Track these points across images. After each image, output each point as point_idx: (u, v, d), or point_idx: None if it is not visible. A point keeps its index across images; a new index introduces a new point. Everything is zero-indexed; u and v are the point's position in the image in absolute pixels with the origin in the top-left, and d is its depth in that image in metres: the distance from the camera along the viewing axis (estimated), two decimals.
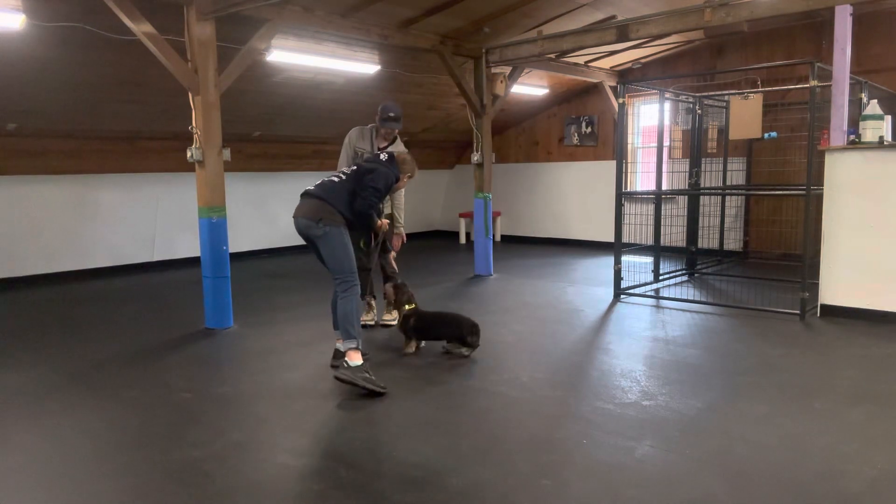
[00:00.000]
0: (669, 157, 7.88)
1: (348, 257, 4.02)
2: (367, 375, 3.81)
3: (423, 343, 4.72)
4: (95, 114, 7.20)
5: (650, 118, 9.94)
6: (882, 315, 5.31)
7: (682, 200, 8.19)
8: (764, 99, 7.55)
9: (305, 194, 4.13)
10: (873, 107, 5.46)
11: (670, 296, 6.51)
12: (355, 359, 3.85)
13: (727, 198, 8.68)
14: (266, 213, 9.97)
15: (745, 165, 8.75)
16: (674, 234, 7.95)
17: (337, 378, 3.79)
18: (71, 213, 8.04)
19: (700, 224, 8.13)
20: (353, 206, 4.07)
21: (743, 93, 7.63)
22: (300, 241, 4.28)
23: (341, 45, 7.04)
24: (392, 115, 5.28)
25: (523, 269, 8.49)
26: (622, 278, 6.64)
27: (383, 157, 4.37)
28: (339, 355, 4.28)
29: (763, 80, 8.04)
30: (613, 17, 7.40)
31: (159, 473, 2.88)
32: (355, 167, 4.29)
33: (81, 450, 3.15)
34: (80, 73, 6.33)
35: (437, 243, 11.70)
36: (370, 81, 8.03)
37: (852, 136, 5.51)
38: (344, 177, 4.19)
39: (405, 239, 5.49)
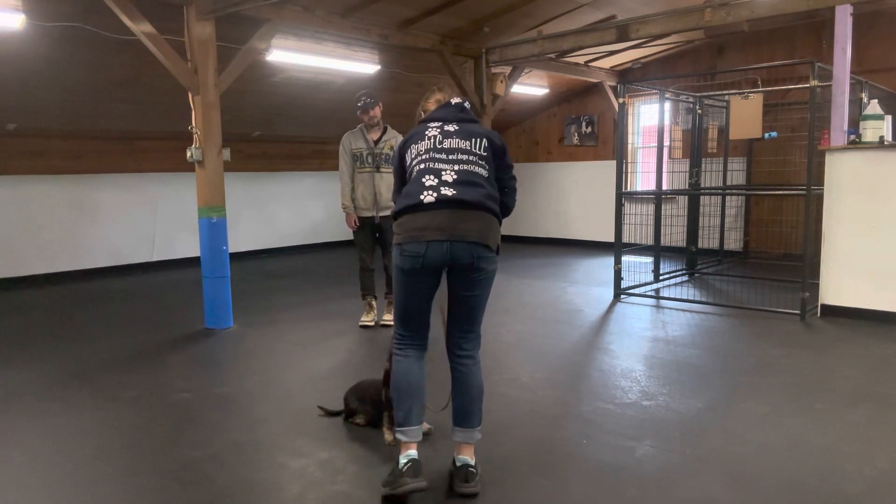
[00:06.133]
0: (669, 157, 7.88)
1: None
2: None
3: None
4: (95, 114, 7.20)
5: (650, 118, 9.95)
6: (882, 315, 5.30)
7: (683, 200, 8.19)
8: (764, 99, 7.55)
9: (461, 202, 2.59)
10: (873, 107, 5.45)
11: (670, 296, 6.51)
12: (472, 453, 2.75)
13: (727, 198, 8.68)
14: (266, 213, 9.96)
15: (746, 165, 8.75)
16: (674, 234, 7.94)
17: (469, 494, 2.62)
18: (71, 213, 8.04)
19: (700, 224, 8.13)
20: (501, 201, 2.82)
21: (743, 93, 7.63)
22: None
23: (341, 45, 7.04)
24: (364, 96, 5.21)
25: (523, 269, 8.48)
26: (622, 278, 6.64)
27: (467, 104, 2.96)
28: (420, 469, 2.65)
29: (763, 79, 8.04)
30: (613, 16, 7.41)
31: (159, 474, 2.88)
32: (486, 139, 2.75)
33: (81, 450, 3.15)
34: (80, 73, 6.33)
35: None
36: (370, 81, 8.03)
37: (852, 136, 5.50)
38: (477, 158, 2.72)
39: None
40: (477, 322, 2.75)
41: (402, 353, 2.77)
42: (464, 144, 2.73)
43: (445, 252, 2.56)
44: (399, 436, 2.71)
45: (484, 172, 2.71)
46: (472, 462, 2.69)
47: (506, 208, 2.86)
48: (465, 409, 2.72)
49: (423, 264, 2.58)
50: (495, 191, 2.74)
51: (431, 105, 2.98)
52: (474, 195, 2.61)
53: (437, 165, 2.67)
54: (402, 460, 2.64)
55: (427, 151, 2.74)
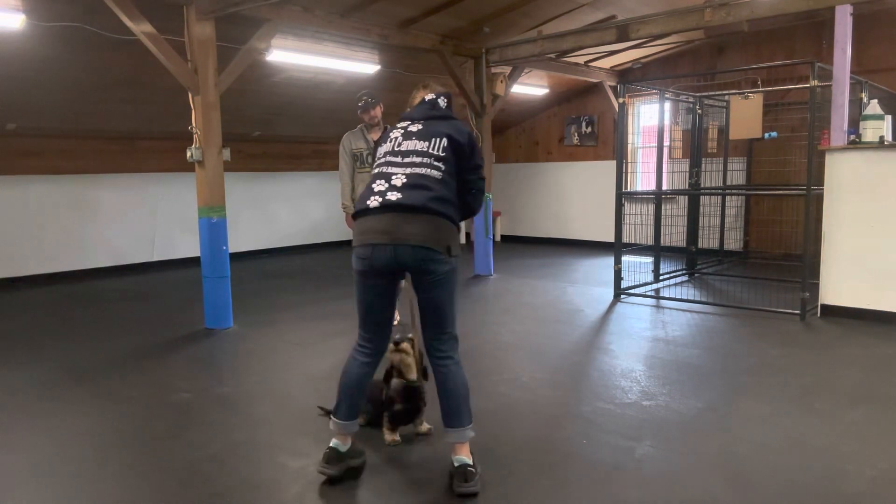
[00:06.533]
0: (669, 157, 7.88)
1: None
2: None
3: None
4: (95, 114, 7.20)
5: (650, 118, 9.95)
6: (882, 315, 5.30)
7: (683, 200, 8.19)
8: (764, 99, 7.55)
9: (405, 206, 2.59)
10: (873, 107, 5.45)
11: (670, 296, 6.50)
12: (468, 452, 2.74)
13: (727, 198, 8.69)
14: (266, 213, 9.96)
15: (746, 165, 8.75)
16: (674, 234, 7.94)
17: (468, 494, 2.61)
18: (71, 213, 8.04)
19: (700, 224, 8.13)
20: (464, 201, 2.81)
21: (743, 93, 7.63)
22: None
23: (341, 45, 7.04)
24: (365, 96, 5.22)
25: (523, 269, 8.49)
26: (622, 278, 6.64)
27: (442, 102, 2.88)
28: (334, 459, 2.76)
29: (763, 79, 8.04)
30: (613, 16, 7.41)
31: (159, 474, 2.88)
32: (446, 138, 2.71)
33: (81, 450, 3.15)
34: (80, 73, 6.33)
35: None
36: (370, 81, 8.03)
37: (852, 136, 5.51)
38: (435, 160, 2.69)
39: None
40: (446, 323, 2.73)
41: (353, 356, 2.84)
42: (421, 146, 2.72)
43: (390, 255, 2.58)
44: (330, 423, 2.84)
45: (437, 174, 2.67)
46: (470, 461, 2.68)
47: (469, 209, 2.84)
48: (453, 408, 2.72)
49: (370, 266, 2.63)
50: (450, 192, 2.70)
51: (416, 102, 2.98)
52: (419, 199, 2.59)
53: (389, 170, 2.71)
54: (330, 444, 2.80)
55: (385, 155, 2.78)
